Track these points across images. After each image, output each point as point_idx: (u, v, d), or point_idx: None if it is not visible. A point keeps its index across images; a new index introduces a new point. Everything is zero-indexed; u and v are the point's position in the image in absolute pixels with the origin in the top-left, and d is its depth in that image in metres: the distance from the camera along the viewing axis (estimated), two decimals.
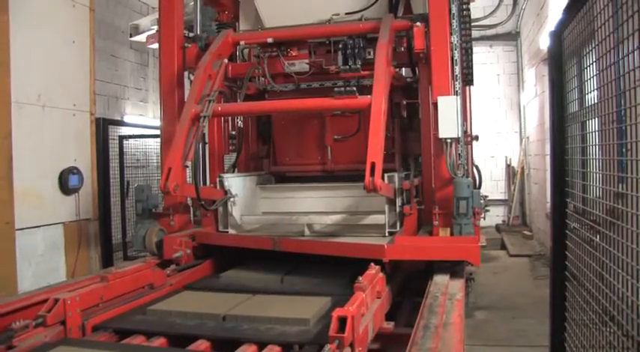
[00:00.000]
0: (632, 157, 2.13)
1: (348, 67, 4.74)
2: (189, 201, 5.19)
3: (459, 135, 4.27)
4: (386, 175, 4.30)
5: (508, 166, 13.78)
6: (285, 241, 4.38)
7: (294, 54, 5.37)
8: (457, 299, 3.24)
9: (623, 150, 2.28)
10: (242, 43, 5.19)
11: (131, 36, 9.37)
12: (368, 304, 3.00)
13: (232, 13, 5.81)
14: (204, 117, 4.29)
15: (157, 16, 5.32)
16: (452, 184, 4.19)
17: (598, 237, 2.63)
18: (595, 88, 2.67)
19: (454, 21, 4.44)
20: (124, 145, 8.73)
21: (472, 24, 5.00)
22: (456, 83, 4.41)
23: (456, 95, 4.33)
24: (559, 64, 3.29)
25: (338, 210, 5.02)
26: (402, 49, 5.06)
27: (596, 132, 2.70)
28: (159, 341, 3.12)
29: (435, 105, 4.29)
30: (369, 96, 4.06)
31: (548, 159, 9.01)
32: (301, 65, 5.31)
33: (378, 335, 3.12)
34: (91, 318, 3.29)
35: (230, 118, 5.72)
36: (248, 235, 4.83)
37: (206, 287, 4.23)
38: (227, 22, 5.68)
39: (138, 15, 10.88)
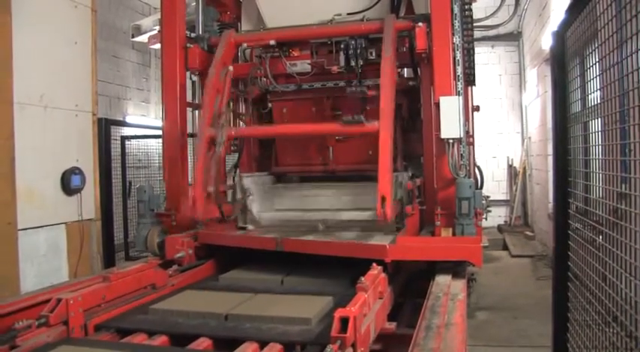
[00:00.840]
0: (635, 157, 2.13)
1: (354, 88, 4.97)
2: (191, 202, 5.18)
3: (461, 136, 4.27)
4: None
5: (510, 167, 13.77)
6: (287, 241, 4.38)
7: (296, 54, 5.38)
8: (459, 299, 3.23)
9: (626, 150, 2.28)
10: (245, 45, 5.21)
11: (133, 36, 9.38)
12: (370, 304, 3.00)
13: (234, 14, 5.82)
14: (220, 143, 4.53)
15: (159, 17, 5.33)
16: (454, 184, 4.19)
17: (601, 237, 2.63)
18: (598, 88, 2.67)
19: (456, 21, 4.43)
20: (126, 146, 8.74)
21: (474, 24, 5.00)
22: (458, 83, 4.41)
23: (458, 95, 4.33)
24: (561, 64, 3.29)
25: (350, 207, 5.11)
26: (404, 50, 5.06)
27: (599, 133, 2.70)
28: (160, 340, 3.12)
29: (437, 105, 4.29)
30: (376, 123, 4.15)
31: (550, 159, 9.01)
32: (303, 65, 5.32)
33: (380, 335, 3.11)
34: (93, 318, 3.29)
35: (232, 119, 5.72)
36: (251, 235, 4.82)
37: (208, 287, 4.22)
38: (229, 22, 5.69)
39: (140, 15, 10.89)
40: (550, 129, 8.33)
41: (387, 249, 3.81)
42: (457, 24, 4.44)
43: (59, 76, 6.41)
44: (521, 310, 6.92)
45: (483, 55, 13.41)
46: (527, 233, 12.03)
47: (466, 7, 4.79)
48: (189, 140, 5.31)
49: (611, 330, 2.40)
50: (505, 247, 11.32)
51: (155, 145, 9.28)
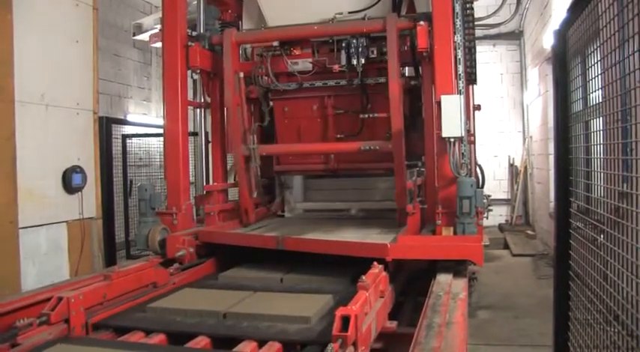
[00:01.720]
0: (637, 156, 2.13)
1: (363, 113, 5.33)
2: (193, 200, 5.20)
3: (462, 134, 4.26)
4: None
5: (511, 166, 13.76)
6: (288, 240, 4.39)
7: (297, 53, 5.38)
8: (460, 298, 3.23)
9: (628, 149, 2.27)
10: (248, 46, 5.24)
11: (134, 35, 9.37)
12: (371, 303, 3.00)
13: (235, 12, 5.82)
14: (257, 166, 5.32)
15: (160, 15, 5.32)
16: (455, 183, 4.19)
17: (602, 236, 2.62)
18: (599, 87, 2.66)
19: (457, 20, 4.43)
20: (127, 144, 8.74)
21: (475, 23, 4.99)
22: (460, 82, 4.41)
23: (460, 94, 4.33)
24: (563, 63, 3.28)
25: (370, 199, 5.93)
26: (406, 48, 5.06)
27: (601, 132, 2.70)
28: (158, 339, 3.12)
29: (439, 104, 4.28)
30: (389, 144, 4.78)
31: (551, 158, 9.00)
32: (304, 64, 5.32)
33: (380, 334, 3.12)
34: (94, 316, 3.29)
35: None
36: (252, 234, 4.84)
37: (206, 286, 4.23)
38: (230, 21, 5.70)
39: (141, 14, 10.88)
40: (551, 128, 8.32)
41: (388, 248, 3.81)
42: (458, 23, 4.44)
43: (60, 75, 6.40)
44: (522, 309, 6.91)
45: (485, 53, 13.38)
46: (529, 232, 12.02)
47: (467, 5, 4.79)
48: (191, 139, 5.31)
49: (613, 329, 2.40)
50: (506, 246, 11.31)
51: (156, 144, 9.28)
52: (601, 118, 2.69)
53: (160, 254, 4.60)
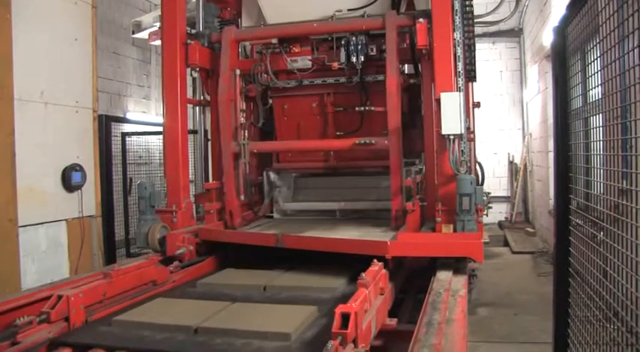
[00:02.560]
0: (637, 153, 2.12)
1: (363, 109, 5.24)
2: (193, 198, 5.20)
3: (462, 132, 4.26)
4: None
5: (511, 163, 13.76)
6: (288, 238, 4.38)
7: (296, 50, 5.37)
8: (460, 295, 3.23)
9: (627, 146, 2.27)
10: (247, 44, 5.23)
11: (133, 33, 9.38)
12: (371, 300, 3.00)
13: (235, 10, 5.81)
14: (245, 163, 5.07)
15: (159, 13, 5.32)
16: (455, 181, 4.18)
17: (602, 233, 2.62)
18: (599, 83, 2.66)
19: (457, 17, 4.42)
20: (127, 142, 8.75)
21: (475, 20, 4.99)
22: (459, 79, 4.41)
23: (459, 91, 4.32)
24: (563, 60, 3.28)
25: (364, 198, 5.61)
26: (405, 46, 5.05)
27: (600, 128, 2.70)
28: None
29: (438, 101, 4.28)
30: (386, 141, 4.63)
31: (551, 156, 9.00)
32: (304, 62, 5.32)
33: (381, 331, 3.11)
34: (94, 315, 3.30)
35: (234, 113, 5.72)
36: (251, 232, 4.84)
37: (182, 295, 3.91)
38: (229, 18, 5.68)
39: (140, 12, 10.88)
40: (551, 125, 8.32)
41: (388, 246, 3.81)
42: (458, 20, 4.43)
43: (59, 73, 6.41)
44: (522, 306, 6.91)
45: (484, 51, 13.38)
46: (528, 229, 12.03)
47: (467, 3, 4.78)
48: (190, 137, 5.31)
49: (612, 326, 2.40)
50: (506, 243, 11.32)
51: (156, 142, 9.29)
52: (601, 115, 2.69)
53: (160, 252, 4.60)
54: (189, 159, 5.29)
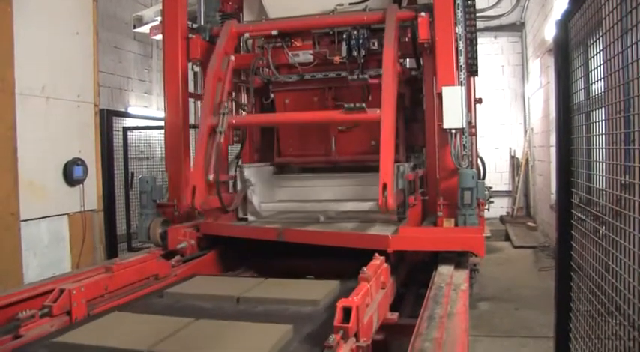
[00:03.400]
0: (639, 146, 2.12)
1: (356, 77, 4.88)
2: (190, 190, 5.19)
3: (464, 126, 4.26)
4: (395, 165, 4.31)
5: (512, 158, 13.76)
6: (289, 232, 4.38)
7: (298, 45, 5.36)
8: (461, 289, 3.23)
9: (629, 139, 2.27)
10: (247, 35, 5.20)
11: (135, 27, 9.34)
12: (372, 294, 3.00)
13: (236, 4, 5.80)
14: (221, 132, 4.46)
15: (161, 8, 5.30)
16: (456, 175, 4.18)
17: (604, 227, 2.62)
18: (601, 77, 2.65)
19: (459, 11, 4.42)
20: (128, 137, 8.75)
21: (477, 14, 4.98)
22: (461, 74, 4.40)
23: (461, 86, 4.32)
24: (565, 54, 3.27)
25: (351, 198, 5.10)
26: (407, 40, 5.05)
27: (603, 122, 2.69)
28: None
29: (440, 95, 4.27)
30: (378, 110, 4.11)
31: (552, 150, 9.00)
32: (305, 56, 5.31)
33: (382, 325, 3.11)
34: (96, 308, 3.30)
35: (234, 109, 5.72)
36: (252, 226, 4.83)
37: (143, 308, 3.42)
38: (231, 12, 5.67)
39: (141, 6, 10.86)
40: (552, 120, 8.31)
41: (390, 240, 3.81)
42: (460, 14, 4.43)
43: (61, 67, 6.40)
44: (523, 301, 6.92)
45: (486, 45, 13.36)
46: (530, 224, 12.03)
47: None
48: (192, 131, 5.30)
49: (614, 320, 2.40)
50: (507, 238, 11.33)
51: (157, 136, 9.30)
52: (603, 109, 2.69)
53: (162, 246, 4.60)
54: (191, 154, 5.29)
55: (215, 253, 4.84)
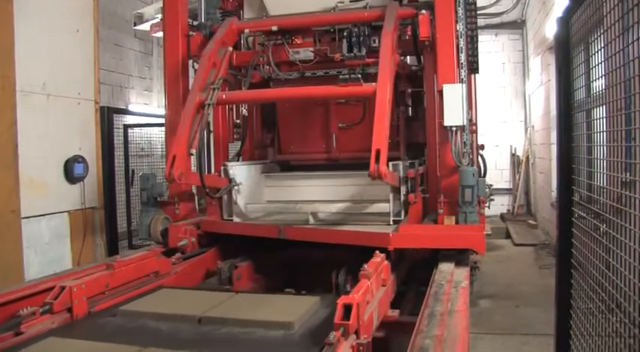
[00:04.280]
0: (639, 144, 2.12)
1: (352, 54, 4.71)
2: (194, 190, 5.20)
3: (464, 123, 4.25)
4: (390, 163, 4.26)
5: (513, 155, 13.74)
6: (289, 229, 4.39)
7: (298, 42, 5.35)
8: (462, 287, 3.23)
9: (630, 137, 2.27)
10: (246, 31, 5.19)
11: (135, 25, 9.35)
12: (373, 292, 3.00)
13: (237, 1, 5.79)
14: (209, 105, 4.28)
15: (161, 5, 5.30)
16: (457, 172, 4.18)
17: (604, 224, 2.62)
18: (602, 74, 2.65)
19: (460, 9, 4.41)
20: (129, 134, 8.74)
21: (477, 12, 4.97)
22: (462, 71, 4.40)
23: (462, 83, 4.31)
24: (566, 51, 3.26)
25: (343, 199, 4.93)
26: (407, 37, 5.04)
27: (603, 119, 2.69)
28: None
29: (441, 93, 4.27)
30: (373, 83, 4.04)
31: (553, 148, 8.99)
32: (306, 53, 5.30)
33: (382, 323, 3.12)
34: (97, 305, 3.31)
35: (235, 107, 5.72)
36: (253, 223, 4.82)
37: (92, 328, 3.01)
38: (231, 10, 5.66)
39: (142, 4, 10.84)
40: (553, 117, 8.30)
41: (390, 237, 3.81)
42: (460, 11, 4.42)
43: (61, 65, 6.40)
44: (524, 298, 6.92)
45: (487, 43, 13.34)
46: (530, 221, 12.03)
47: None
48: None
49: (615, 317, 2.40)
50: (508, 236, 11.33)
51: (158, 134, 9.27)
52: (604, 106, 2.68)
53: (162, 243, 4.61)
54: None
55: (216, 250, 4.84)
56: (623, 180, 2.36)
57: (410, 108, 5.43)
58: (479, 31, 5.09)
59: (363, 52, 4.80)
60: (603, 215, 2.66)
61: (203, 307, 3.14)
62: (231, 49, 4.90)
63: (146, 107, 11.18)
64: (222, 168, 4.93)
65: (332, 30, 5.17)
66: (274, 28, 5.03)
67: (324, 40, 5.28)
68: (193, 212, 5.15)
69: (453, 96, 4.20)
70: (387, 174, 3.74)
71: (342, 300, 2.51)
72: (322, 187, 5.20)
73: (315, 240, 4.30)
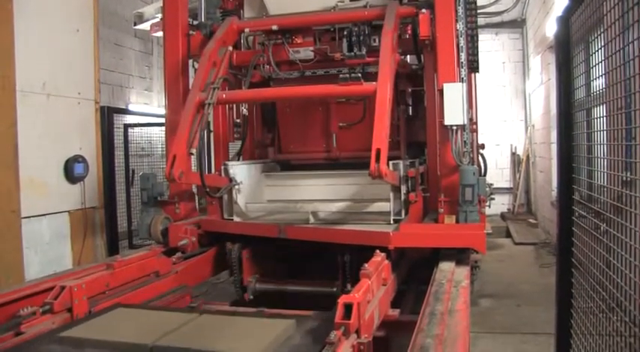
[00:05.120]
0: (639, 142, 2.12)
1: (353, 53, 4.71)
2: (195, 189, 5.19)
3: (465, 122, 4.25)
4: (391, 163, 4.26)
5: (513, 154, 13.74)
6: (290, 229, 4.39)
7: (298, 41, 5.35)
8: (462, 286, 3.23)
9: (631, 136, 2.27)
10: (247, 30, 5.19)
11: (135, 24, 9.35)
12: (374, 291, 3.00)
13: (237, 1, 5.79)
14: (209, 104, 4.29)
15: (161, 4, 5.30)
16: (457, 171, 4.18)
17: (605, 223, 2.62)
18: (602, 73, 2.65)
19: (460, 8, 4.42)
20: (129, 134, 8.74)
21: (477, 11, 4.97)
22: (462, 70, 4.40)
23: (462, 82, 4.31)
24: (566, 50, 3.26)
25: (343, 198, 4.93)
26: (407, 36, 5.03)
27: (604, 118, 2.69)
28: None
29: (441, 92, 4.27)
30: (374, 82, 4.05)
31: (553, 147, 8.98)
32: (306, 52, 5.30)
33: (383, 322, 3.12)
34: (97, 305, 3.31)
35: (235, 106, 5.72)
36: (254, 223, 4.82)
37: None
38: (231, 9, 5.67)
39: (142, 3, 10.83)
40: (553, 116, 8.29)
41: (391, 236, 3.81)
42: (461, 10, 4.42)
43: (61, 64, 6.40)
44: (524, 297, 6.92)
45: (487, 42, 13.33)
46: (531, 220, 12.03)
47: None
48: None
49: (616, 316, 2.40)
50: (508, 235, 11.32)
51: (158, 133, 9.27)
52: (604, 105, 2.68)
53: (163, 243, 4.61)
54: None
55: (216, 250, 4.84)
56: (624, 178, 2.35)
57: (410, 107, 5.43)
58: (479, 30, 5.08)
59: (364, 51, 4.80)
60: (604, 214, 2.66)
61: (159, 331, 2.70)
62: (231, 48, 4.91)
63: (146, 107, 11.18)
64: (222, 167, 4.91)
65: (332, 29, 5.17)
66: (274, 28, 5.03)
67: (325, 39, 5.28)
68: (194, 211, 5.15)
69: (453, 96, 4.20)
70: (388, 173, 3.76)
71: (342, 299, 2.51)
72: (322, 186, 5.22)
73: (316, 239, 4.30)
